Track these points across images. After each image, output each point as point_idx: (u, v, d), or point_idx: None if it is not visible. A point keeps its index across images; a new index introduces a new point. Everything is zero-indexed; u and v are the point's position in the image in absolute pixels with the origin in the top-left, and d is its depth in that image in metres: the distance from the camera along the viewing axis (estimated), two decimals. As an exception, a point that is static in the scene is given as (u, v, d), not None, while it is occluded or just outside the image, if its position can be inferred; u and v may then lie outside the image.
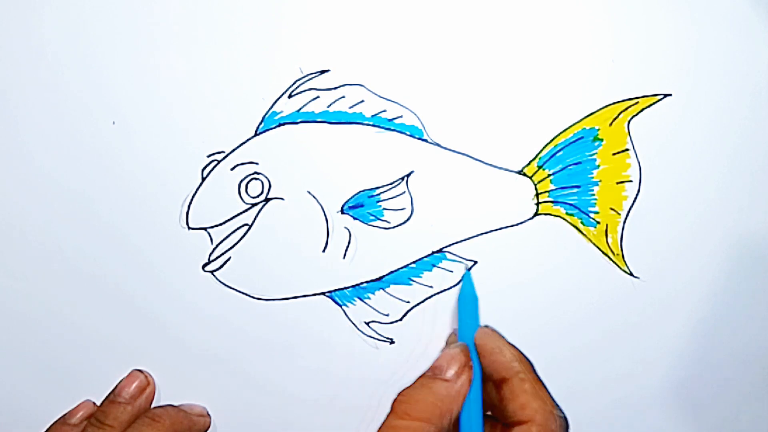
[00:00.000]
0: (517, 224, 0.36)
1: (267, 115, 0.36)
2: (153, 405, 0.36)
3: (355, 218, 0.36)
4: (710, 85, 0.36)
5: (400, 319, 0.36)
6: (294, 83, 0.36)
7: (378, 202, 0.36)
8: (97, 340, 0.36)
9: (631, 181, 0.36)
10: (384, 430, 0.32)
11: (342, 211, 0.36)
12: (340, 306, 0.36)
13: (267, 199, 0.36)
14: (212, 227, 0.36)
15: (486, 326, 0.35)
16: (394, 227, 0.36)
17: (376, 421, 0.36)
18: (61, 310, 0.36)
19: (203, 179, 0.36)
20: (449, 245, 0.36)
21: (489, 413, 0.34)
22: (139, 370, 0.36)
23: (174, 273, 0.36)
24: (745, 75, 0.36)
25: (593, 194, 0.36)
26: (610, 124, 0.36)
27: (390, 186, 0.36)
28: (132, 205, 0.36)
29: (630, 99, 0.36)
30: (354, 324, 0.36)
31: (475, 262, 0.36)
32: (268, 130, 0.36)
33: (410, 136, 0.36)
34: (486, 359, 0.33)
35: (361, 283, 0.36)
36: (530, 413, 0.31)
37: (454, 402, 0.32)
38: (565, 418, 0.32)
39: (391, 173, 0.36)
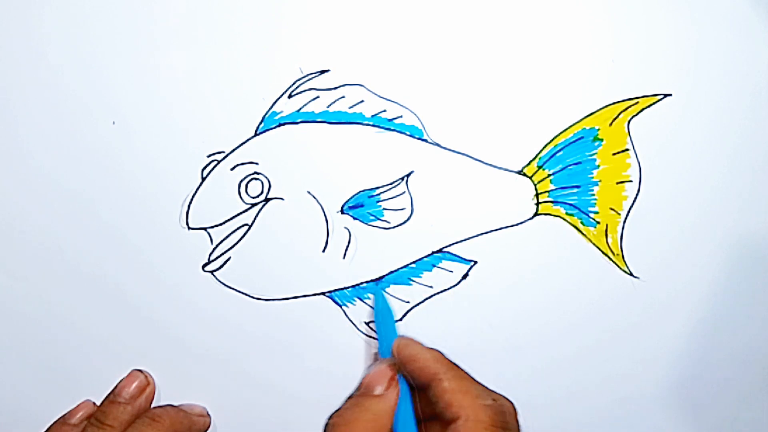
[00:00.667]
0: (517, 224, 0.36)
1: (267, 115, 0.36)
2: (153, 405, 0.36)
3: (355, 218, 0.36)
4: (710, 85, 0.36)
5: (400, 319, 0.36)
6: (294, 83, 0.36)
7: (378, 202, 0.36)
8: (97, 340, 0.36)
9: (631, 181, 0.36)
10: None
11: (342, 211, 0.36)
12: (340, 306, 0.36)
13: (267, 199, 0.36)
14: (212, 227, 0.36)
15: (402, 337, 0.34)
16: (394, 227, 0.36)
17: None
18: (61, 310, 0.36)
19: (203, 179, 0.36)
20: (449, 245, 0.36)
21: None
22: (139, 370, 0.36)
23: (174, 273, 0.36)
24: (745, 75, 0.36)
25: (593, 194, 0.36)
26: (610, 124, 0.36)
27: (390, 186, 0.36)
28: (132, 205, 0.36)
29: (630, 99, 0.36)
30: (354, 324, 0.36)
31: (475, 262, 0.36)
32: (268, 130, 0.36)
33: (410, 136, 0.36)
34: (406, 369, 0.33)
35: (361, 283, 0.36)
36: (456, 410, 0.31)
37: (387, 416, 0.32)
38: (503, 403, 0.32)
39: (391, 173, 0.36)
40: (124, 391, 0.35)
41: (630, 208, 0.36)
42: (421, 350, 0.33)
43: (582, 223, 0.36)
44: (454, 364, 0.33)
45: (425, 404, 0.32)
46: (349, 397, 0.33)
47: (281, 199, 0.36)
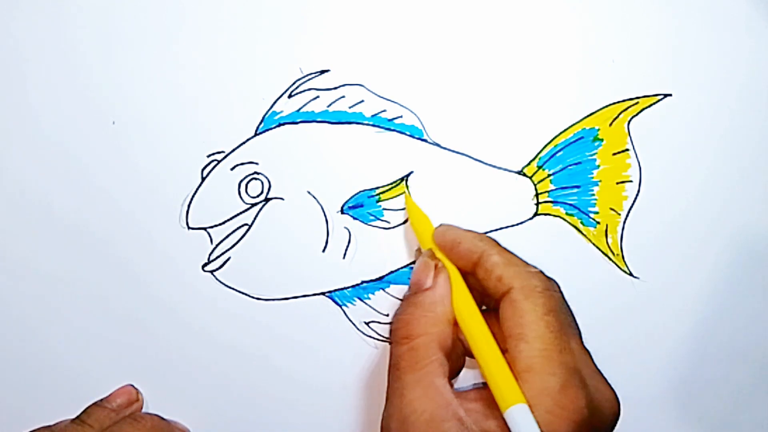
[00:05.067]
0: (517, 224, 0.36)
1: (267, 115, 0.36)
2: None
3: (355, 218, 0.36)
4: (710, 85, 0.36)
5: (400, 319, 0.36)
6: (294, 83, 0.36)
7: (378, 202, 0.36)
8: (96, 340, 0.36)
9: (631, 181, 0.36)
10: (393, 361, 0.31)
11: (342, 211, 0.36)
12: (340, 306, 0.36)
13: (267, 199, 0.36)
14: (212, 227, 0.36)
15: (440, 225, 0.35)
16: (394, 227, 0.36)
17: (376, 420, 0.36)
18: (60, 311, 0.36)
19: (203, 179, 0.36)
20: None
21: (484, 308, 0.34)
22: (132, 386, 0.36)
23: (174, 273, 0.36)
24: (745, 75, 0.37)
25: (593, 194, 0.36)
26: (610, 124, 0.36)
27: (390, 186, 0.36)
28: (132, 205, 0.36)
29: (630, 99, 0.36)
30: (354, 324, 0.36)
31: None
32: (268, 130, 0.36)
33: (410, 136, 0.36)
34: (451, 254, 0.33)
35: (361, 283, 0.36)
36: (508, 281, 0.31)
37: (442, 305, 0.32)
38: (552, 280, 0.32)
39: (391, 173, 0.36)
40: (113, 400, 0.35)
41: (630, 208, 0.36)
42: (462, 232, 0.33)
43: (582, 223, 0.36)
44: (496, 241, 0.33)
45: (471, 289, 0.32)
46: (403, 299, 0.33)
47: (281, 199, 0.36)
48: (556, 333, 0.30)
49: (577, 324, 0.32)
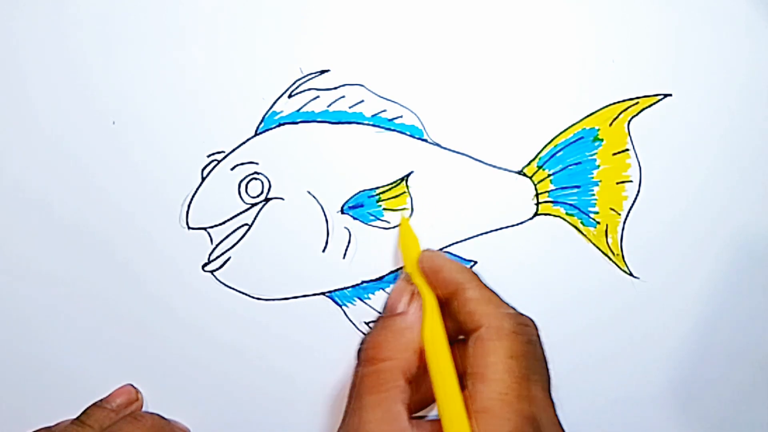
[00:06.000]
0: (517, 224, 0.36)
1: (267, 115, 0.36)
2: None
3: (355, 218, 0.36)
4: (710, 85, 0.36)
5: (400, 319, 0.36)
6: (294, 83, 0.36)
7: (378, 202, 0.36)
8: (95, 340, 0.36)
9: (631, 181, 0.36)
10: (356, 380, 0.31)
11: (342, 211, 0.36)
12: (340, 306, 0.36)
13: (267, 199, 0.36)
14: (212, 227, 0.36)
15: (426, 250, 0.35)
16: (394, 227, 0.36)
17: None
18: (60, 311, 0.36)
19: (203, 179, 0.36)
20: (449, 245, 0.36)
21: (461, 337, 0.33)
22: (131, 386, 0.36)
23: (174, 273, 0.36)
24: (745, 75, 0.37)
25: (593, 194, 0.36)
26: (610, 125, 0.36)
27: (390, 186, 0.36)
28: (132, 205, 0.36)
29: (630, 99, 0.36)
30: (354, 324, 0.36)
31: (475, 262, 0.36)
32: (268, 130, 0.36)
33: (410, 136, 0.36)
34: (431, 281, 0.33)
35: (361, 283, 0.36)
36: (479, 318, 0.30)
37: (412, 332, 0.32)
38: (527, 317, 0.31)
39: (391, 173, 0.36)
40: (113, 400, 0.35)
41: (630, 208, 0.36)
42: (446, 261, 0.33)
43: (582, 223, 0.36)
44: (478, 276, 0.33)
45: (448, 318, 0.32)
46: (376, 321, 0.33)
47: (281, 199, 0.36)
48: (516, 378, 0.29)
49: (547, 370, 0.32)
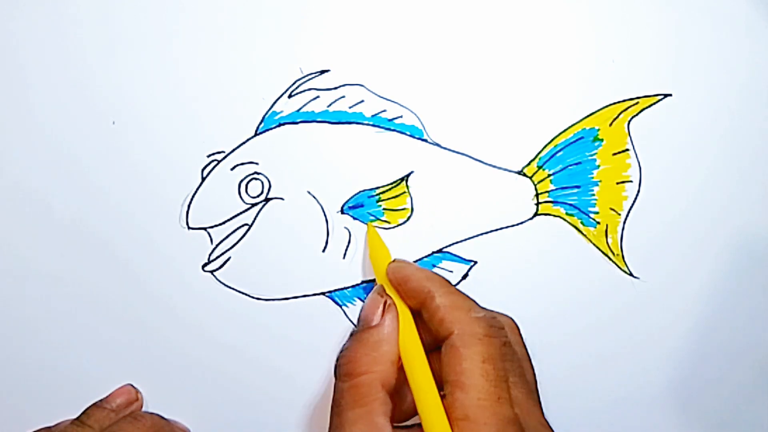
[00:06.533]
0: (517, 224, 0.36)
1: (267, 115, 0.36)
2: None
3: (355, 218, 0.36)
4: (710, 85, 0.36)
5: (400, 319, 0.36)
6: (294, 83, 0.36)
7: (378, 202, 0.36)
8: (95, 341, 0.36)
9: (631, 181, 0.36)
10: (335, 397, 0.31)
11: (342, 211, 0.36)
12: (340, 306, 0.36)
13: (267, 199, 0.36)
14: (212, 227, 0.36)
15: (394, 260, 0.34)
16: (394, 227, 0.36)
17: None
18: (60, 311, 0.36)
19: (203, 179, 0.36)
20: (449, 245, 0.36)
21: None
22: (131, 385, 0.36)
23: (174, 273, 0.36)
24: (745, 75, 0.37)
25: (593, 194, 0.36)
26: (610, 125, 0.36)
27: (390, 186, 0.36)
28: (132, 205, 0.36)
29: (630, 99, 0.36)
30: (354, 324, 0.36)
31: (475, 262, 0.36)
32: (268, 130, 0.36)
33: (410, 136, 0.36)
34: (400, 292, 0.32)
35: (361, 283, 0.36)
36: (449, 325, 0.30)
37: (387, 344, 0.31)
38: (498, 317, 0.31)
39: (391, 173, 0.36)
40: (113, 400, 0.35)
41: (630, 208, 0.36)
42: (414, 270, 0.33)
43: (582, 223, 0.36)
44: (448, 281, 0.32)
45: (422, 328, 0.32)
46: (350, 334, 0.33)
47: (281, 199, 0.36)
48: (493, 382, 0.29)
49: (530, 371, 0.32)
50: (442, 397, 0.30)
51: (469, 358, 0.29)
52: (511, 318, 0.33)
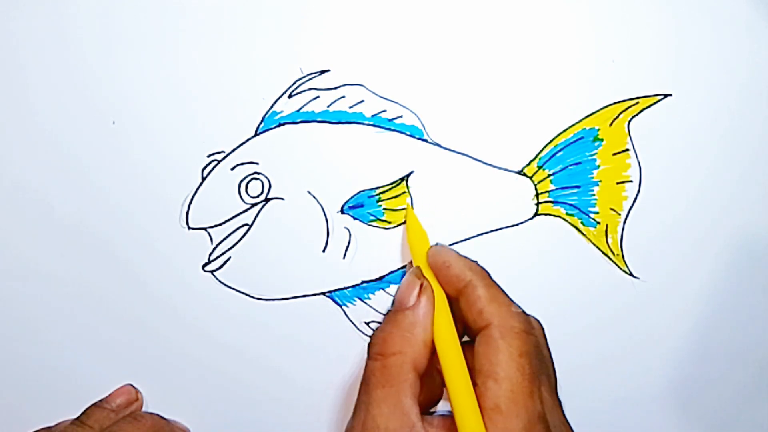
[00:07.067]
0: (517, 224, 0.36)
1: (267, 115, 0.36)
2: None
3: (355, 218, 0.36)
4: (710, 85, 0.36)
5: (400, 319, 0.36)
6: (294, 83, 0.36)
7: (378, 202, 0.36)
8: (96, 340, 0.36)
9: (631, 181, 0.36)
10: (365, 375, 0.31)
11: (342, 211, 0.36)
12: (340, 306, 0.36)
13: (267, 199, 0.36)
14: (212, 227, 0.36)
15: (436, 244, 0.35)
16: (394, 227, 0.36)
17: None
18: (60, 311, 0.36)
19: (203, 179, 0.36)
20: (449, 245, 0.36)
21: (466, 338, 0.34)
22: (131, 385, 0.36)
23: (174, 273, 0.36)
24: (745, 75, 0.36)
25: (593, 194, 0.36)
26: (610, 125, 0.36)
27: (390, 186, 0.36)
28: (132, 205, 0.36)
29: (630, 99, 0.36)
30: (354, 324, 0.36)
31: (475, 262, 0.36)
32: (268, 130, 0.36)
33: (410, 136, 0.36)
34: (439, 276, 0.33)
35: (361, 283, 0.36)
36: (487, 317, 0.31)
37: (421, 326, 0.31)
38: (534, 319, 0.32)
39: (391, 173, 0.36)
40: (113, 400, 0.35)
41: (630, 208, 0.36)
42: (455, 257, 0.33)
43: (582, 223, 0.36)
44: (488, 273, 0.33)
45: (454, 315, 0.32)
46: (385, 315, 0.33)
47: (281, 199, 0.36)
48: (526, 376, 0.29)
49: (554, 372, 0.33)
50: (474, 385, 0.30)
51: (506, 351, 0.30)
52: (539, 321, 0.34)
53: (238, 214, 0.36)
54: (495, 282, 0.32)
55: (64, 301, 0.36)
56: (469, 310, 0.31)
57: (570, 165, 0.36)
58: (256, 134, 0.36)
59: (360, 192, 0.36)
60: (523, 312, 0.32)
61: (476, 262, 0.34)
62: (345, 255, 0.36)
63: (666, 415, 0.36)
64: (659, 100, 0.36)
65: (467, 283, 0.32)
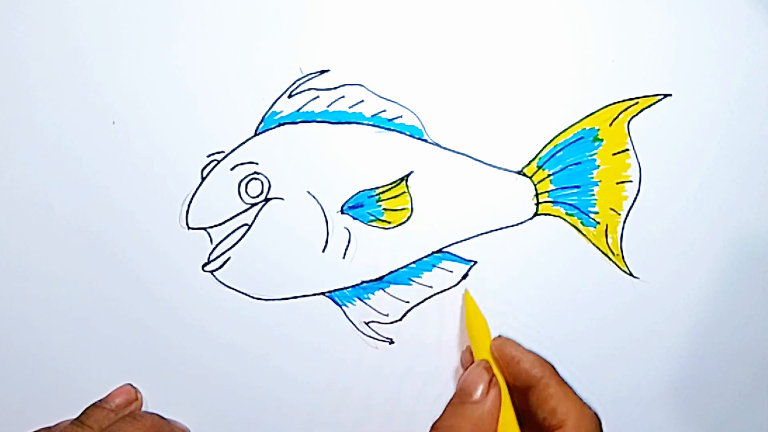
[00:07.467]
0: (517, 224, 0.36)
1: (267, 115, 0.36)
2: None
3: (354, 218, 0.36)
4: (710, 85, 0.36)
5: (400, 319, 0.36)
6: (294, 83, 0.36)
7: (378, 202, 0.36)
8: (96, 341, 0.36)
9: (631, 181, 0.36)
10: None
11: (342, 211, 0.36)
12: (340, 306, 0.36)
13: (267, 199, 0.36)
14: (212, 227, 0.36)
15: (499, 336, 0.35)
16: (394, 227, 0.36)
17: (375, 420, 0.36)
18: (60, 311, 0.36)
19: (203, 179, 0.36)
20: (449, 245, 0.36)
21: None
22: (131, 385, 0.36)
23: (174, 273, 0.36)
24: (745, 75, 0.37)
25: (593, 194, 0.36)
26: (610, 125, 0.36)
27: (390, 186, 0.36)
28: (132, 205, 0.36)
29: (630, 99, 0.36)
30: (354, 324, 0.36)
31: (475, 262, 0.36)
32: (268, 130, 0.36)
33: (410, 136, 0.36)
34: (507, 370, 0.33)
35: (361, 283, 0.36)
36: (561, 416, 0.31)
37: (488, 421, 0.32)
38: (596, 414, 0.32)
39: (391, 173, 0.36)
40: (112, 400, 0.35)
41: (630, 208, 0.36)
42: (523, 352, 0.33)
43: (582, 223, 0.36)
44: (553, 366, 0.33)
45: (517, 406, 0.33)
46: (449, 404, 0.33)
47: (281, 199, 0.36)
48: None
49: None
50: None
51: None
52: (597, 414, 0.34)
53: (237, 214, 0.36)
54: (562, 378, 0.33)
55: (64, 301, 0.36)
56: (540, 407, 0.32)
57: (570, 165, 0.36)
58: (255, 134, 0.36)
59: (360, 192, 0.36)
60: (593, 412, 0.32)
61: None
62: (345, 255, 0.36)
63: (666, 415, 0.36)
64: (659, 100, 0.36)
65: (538, 381, 0.32)
